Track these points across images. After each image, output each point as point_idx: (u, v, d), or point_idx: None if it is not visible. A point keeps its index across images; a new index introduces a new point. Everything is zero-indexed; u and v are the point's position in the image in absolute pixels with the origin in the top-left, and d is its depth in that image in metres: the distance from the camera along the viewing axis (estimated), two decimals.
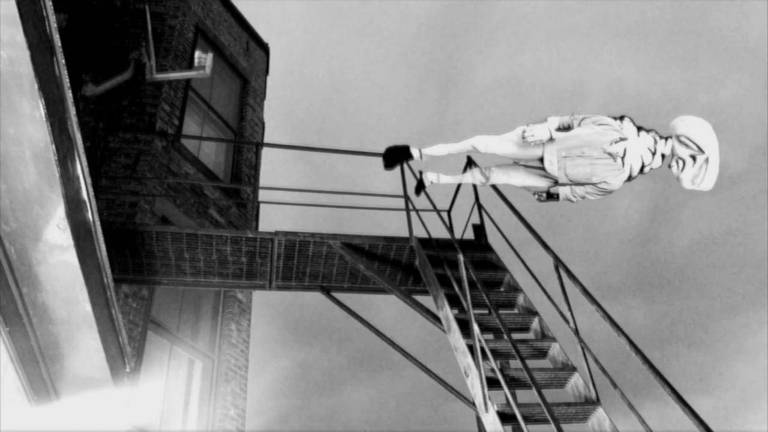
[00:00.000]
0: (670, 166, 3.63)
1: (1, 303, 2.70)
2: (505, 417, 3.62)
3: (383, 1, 51.37)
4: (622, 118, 3.77)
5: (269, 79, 10.18)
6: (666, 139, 3.65)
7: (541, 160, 3.91)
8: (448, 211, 6.16)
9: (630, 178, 3.79)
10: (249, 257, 5.31)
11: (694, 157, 3.47)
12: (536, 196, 4.08)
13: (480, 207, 5.63)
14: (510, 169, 4.15)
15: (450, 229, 5.90)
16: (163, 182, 6.71)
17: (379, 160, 5.01)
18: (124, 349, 3.40)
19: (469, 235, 5.83)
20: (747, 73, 45.55)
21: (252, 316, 7.29)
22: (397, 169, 6.16)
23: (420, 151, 4.43)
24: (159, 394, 5.84)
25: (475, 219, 5.75)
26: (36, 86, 1.99)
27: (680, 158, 3.52)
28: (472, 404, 4.32)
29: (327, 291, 5.44)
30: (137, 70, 4.78)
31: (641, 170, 3.77)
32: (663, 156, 3.70)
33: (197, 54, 4.05)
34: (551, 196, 4.02)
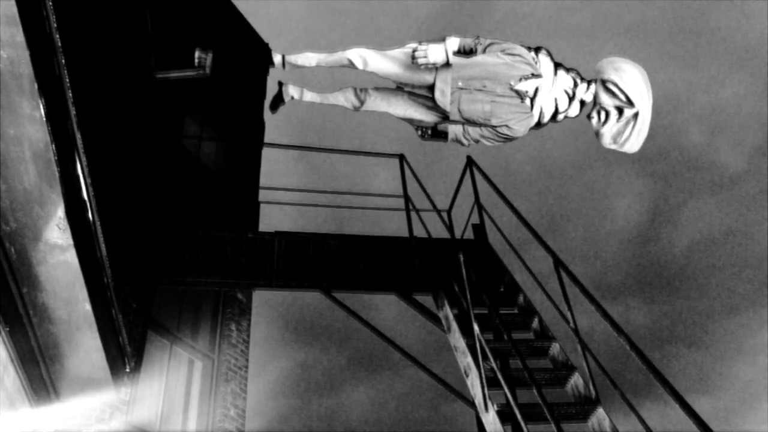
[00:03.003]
0: (589, 117, 3.03)
1: (1, 303, 2.70)
2: (505, 417, 3.62)
3: (383, 1, 51.37)
4: (538, 49, 3.15)
5: (269, 79, 10.19)
6: (589, 83, 3.07)
7: (432, 89, 3.20)
8: (448, 211, 6.16)
9: (539, 124, 3.18)
10: (249, 257, 5.31)
11: (620, 110, 2.90)
12: (419, 132, 3.39)
13: (480, 207, 5.64)
14: (392, 95, 3.39)
15: (450, 228, 5.91)
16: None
17: (380, 160, 4.91)
18: (124, 349, 3.40)
19: (469, 234, 5.84)
20: (747, 73, 45.57)
21: (252, 316, 7.29)
22: (396, 169, 6.19)
23: (283, 57, 3.52)
24: (159, 394, 5.84)
25: (475, 219, 5.76)
26: (36, 86, 1.99)
27: (603, 109, 2.95)
28: (472, 404, 4.33)
29: (327, 291, 5.44)
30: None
31: (553, 117, 3.15)
32: (583, 103, 3.11)
33: (197, 53, 4.02)
34: (438, 135, 3.33)
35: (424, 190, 5.99)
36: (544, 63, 3.10)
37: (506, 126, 3.10)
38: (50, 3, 1.96)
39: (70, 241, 2.50)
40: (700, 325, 40.22)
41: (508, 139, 3.18)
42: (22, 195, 2.35)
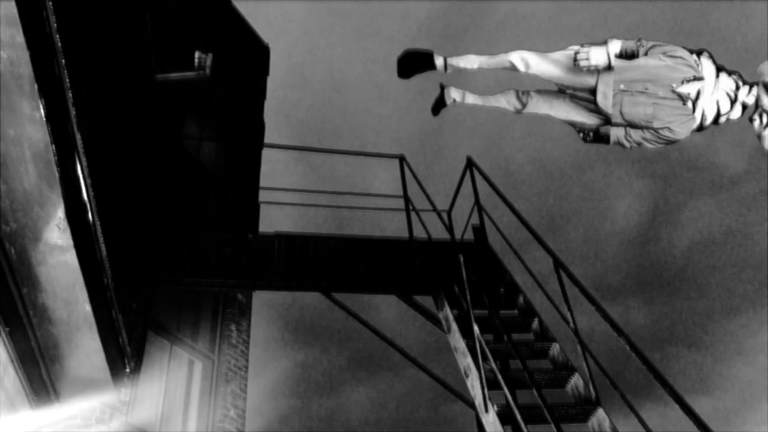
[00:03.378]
0: (751, 120, 3.05)
1: (1, 303, 2.70)
2: (505, 418, 3.62)
3: (383, 1, 51.38)
4: (700, 53, 3.14)
5: (269, 80, 10.18)
6: (751, 86, 3.04)
7: (594, 91, 3.25)
8: (448, 212, 6.16)
9: (701, 127, 3.18)
10: (249, 258, 5.31)
11: None
12: (581, 135, 3.43)
13: (480, 208, 5.64)
14: (553, 98, 3.45)
15: (450, 229, 5.91)
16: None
17: (380, 161, 4.93)
18: (124, 350, 3.40)
19: (469, 235, 5.83)
20: (747, 73, 45.48)
21: (252, 317, 7.29)
22: (396, 170, 6.18)
23: (445, 60, 3.60)
24: (159, 395, 5.84)
25: (475, 220, 5.75)
26: (36, 87, 1.99)
27: (765, 112, 2.95)
28: (472, 405, 4.32)
29: (327, 291, 5.43)
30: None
31: (715, 120, 3.15)
32: (744, 106, 3.10)
33: (197, 54, 4.03)
34: (600, 138, 3.36)
35: (424, 191, 5.98)
36: (706, 66, 3.11)
37: (668, 128, 3.13)
38: (50, 4, 1.96)
39: (70, 242, 2.50)
40: (700, 326, 40.21)
41: (670, 141, 3.21)
42: (22, 195, 2.35)
